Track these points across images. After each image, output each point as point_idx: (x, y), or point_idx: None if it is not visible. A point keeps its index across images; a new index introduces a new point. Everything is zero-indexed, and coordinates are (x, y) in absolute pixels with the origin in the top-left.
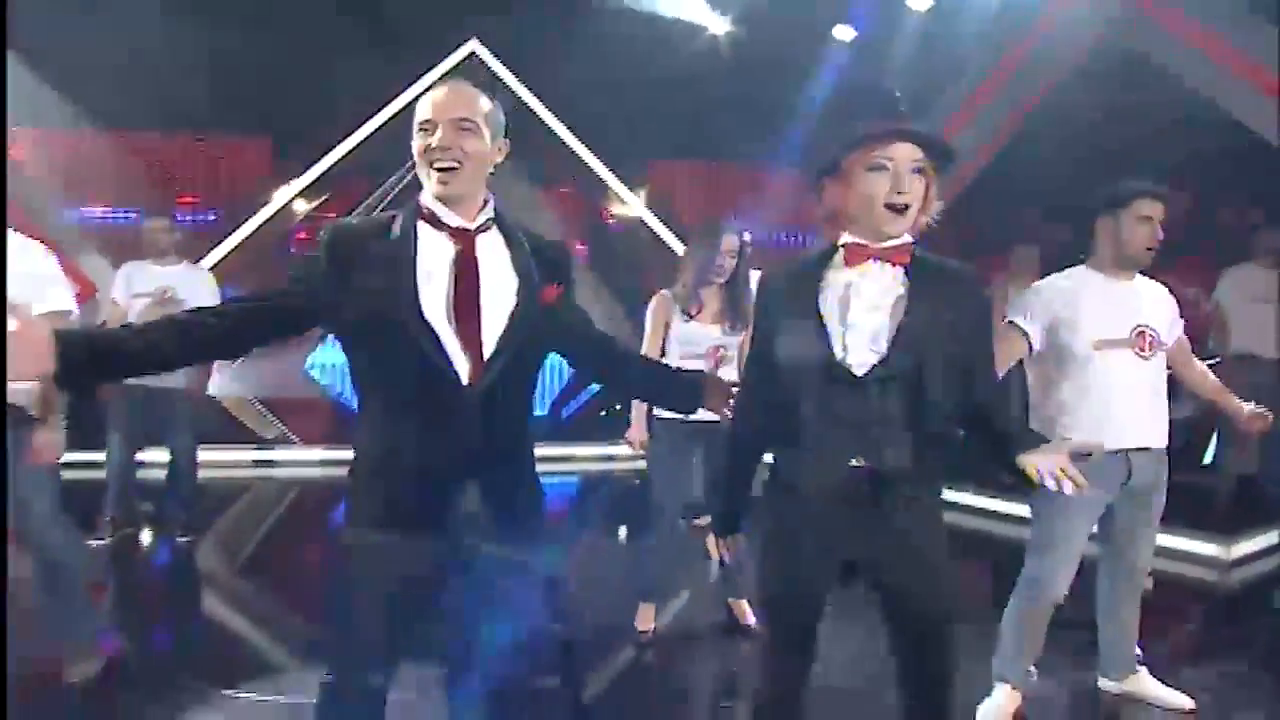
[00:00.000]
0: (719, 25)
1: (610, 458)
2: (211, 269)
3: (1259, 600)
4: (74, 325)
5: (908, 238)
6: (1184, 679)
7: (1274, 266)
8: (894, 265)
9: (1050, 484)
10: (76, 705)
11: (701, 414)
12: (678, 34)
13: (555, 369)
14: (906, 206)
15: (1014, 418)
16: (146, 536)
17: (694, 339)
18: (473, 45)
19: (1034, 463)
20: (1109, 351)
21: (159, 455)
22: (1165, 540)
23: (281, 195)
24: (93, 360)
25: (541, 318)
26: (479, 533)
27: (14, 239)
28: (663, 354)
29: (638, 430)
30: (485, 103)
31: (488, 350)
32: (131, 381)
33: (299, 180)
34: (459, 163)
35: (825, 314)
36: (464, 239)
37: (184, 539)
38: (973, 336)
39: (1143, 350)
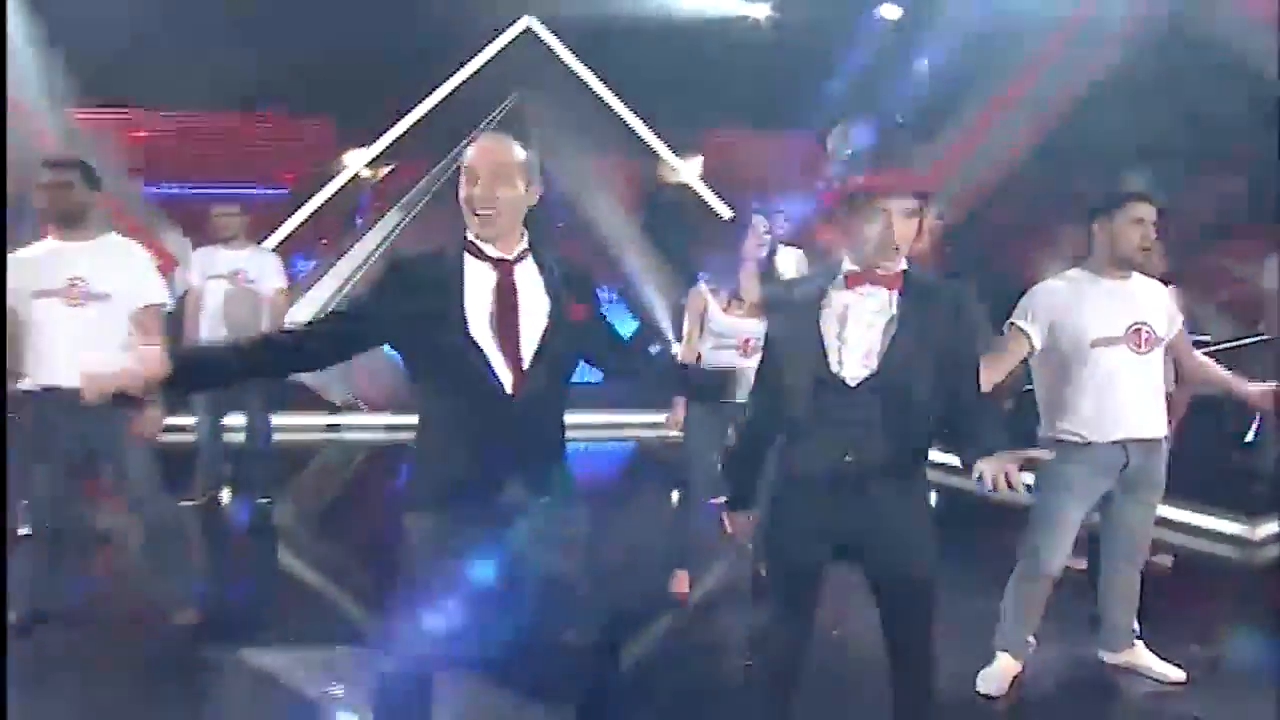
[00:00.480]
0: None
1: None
2: (280, 244)
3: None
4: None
5: (902, 264)
6: (1189, 651)
7: None
8: (888, 289)
9: (987, 487)
10: (173, 654)
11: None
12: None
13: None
14: (898, 248)
15: (984, 422)
16: (230, 497)
17: (729, 330)
18: (527, 20)
19: (982, 468)
20: (1106, 349)
21: (238, 420)
22: (1193, 517)
23: (346, 170)
24: (200, 375)
25: (571, 333)
26: (522, 515)
27: (115, 239)
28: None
29: (677, 412)
30: (521, 153)
31: (525, 363)
32: None
33: (362, 155)
34: (496, 209)
35: (824, 331)
36: (503, 268)
37: (264, 500)
38: (958, 349)
39: (1139, 347)
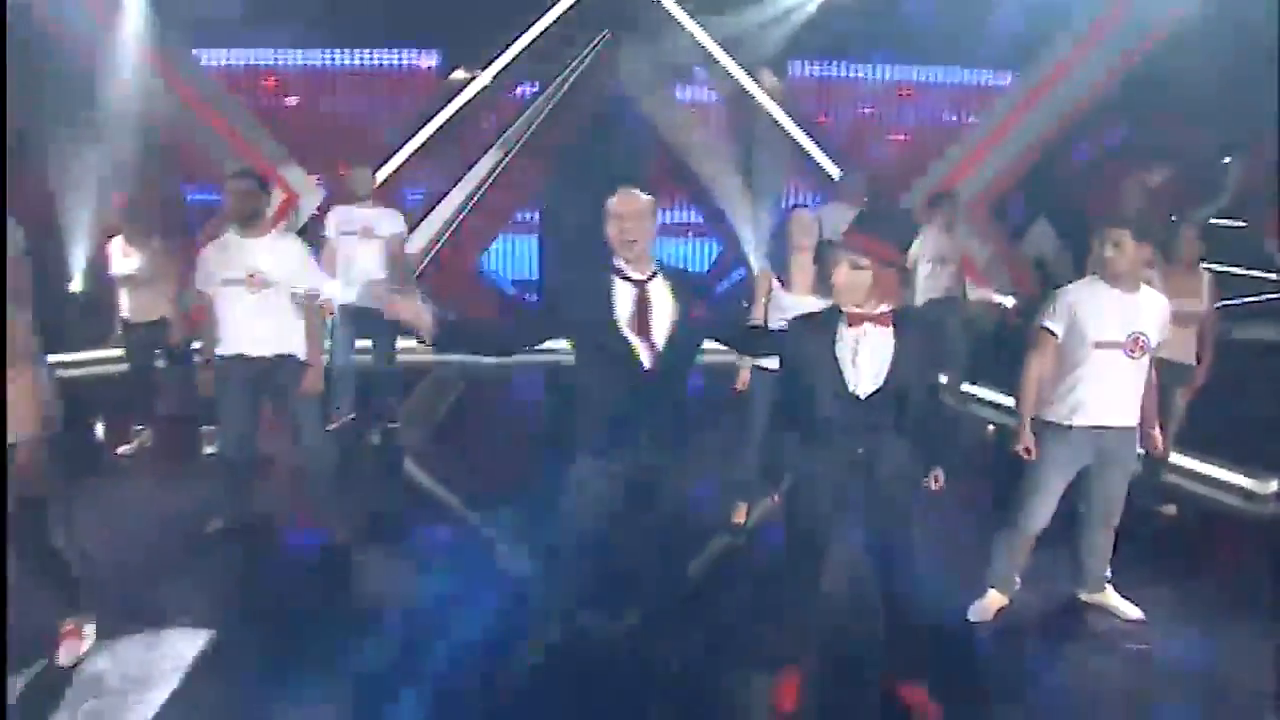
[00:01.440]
0: None
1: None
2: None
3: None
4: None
5: (885, 307)
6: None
7: None
8: (884, 326)
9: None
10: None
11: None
12: None
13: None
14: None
15: (934, 424)
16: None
17: (789, 307)
18: None
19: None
20: (1105, 350)
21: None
22: (1211, 470)
23: (449, 106)
24: (453, 338)
25: (690, 326)
26: (651, 456)
27: (275, 235)
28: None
29: (743, 376)
30: (649, 201)
31: (659, 348)
32: (346, 301)
33: (465, 92)
34: (636, 242)
35: (841, 359)
36: (640, 285)
37: (393, 425)
38: (932, 361)
39: (1132, 352)
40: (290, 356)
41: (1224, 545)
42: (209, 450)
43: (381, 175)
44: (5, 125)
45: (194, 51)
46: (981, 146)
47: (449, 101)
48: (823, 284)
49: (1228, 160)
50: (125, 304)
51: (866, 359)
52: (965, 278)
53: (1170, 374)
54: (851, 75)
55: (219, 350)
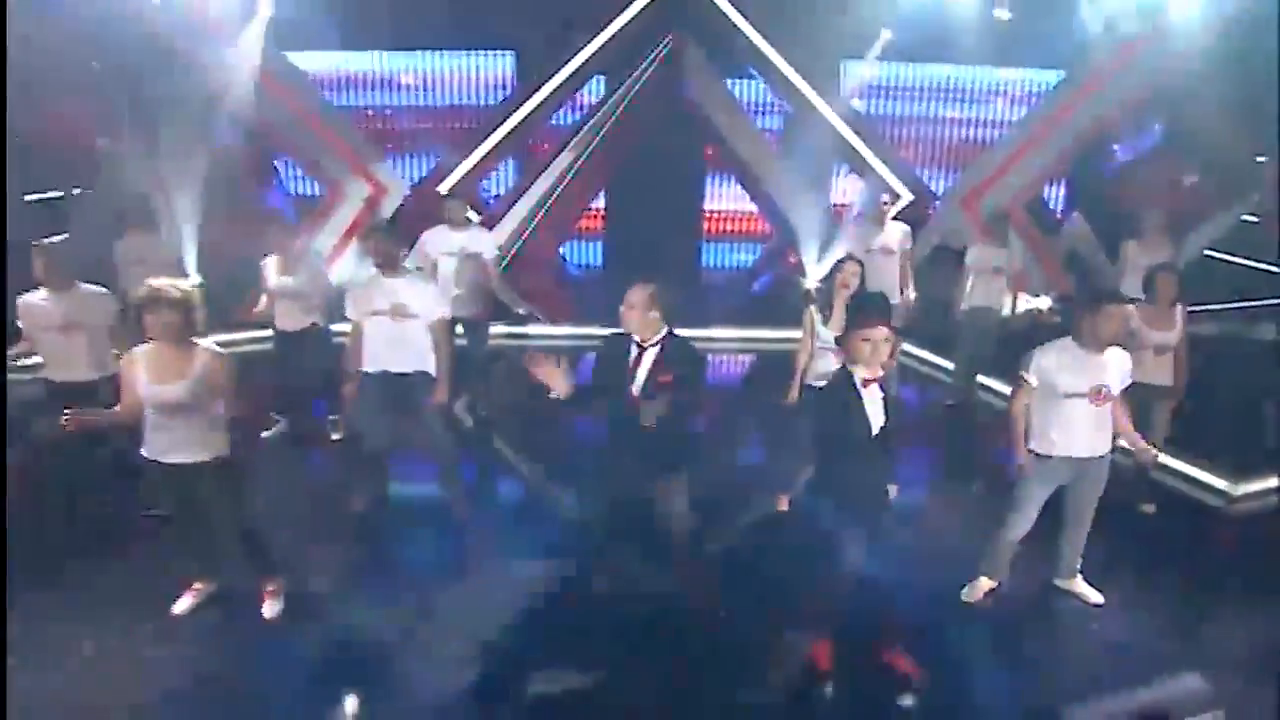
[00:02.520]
0: None
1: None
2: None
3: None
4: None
5: (882, 371)
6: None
7: None
8: (880, 385)
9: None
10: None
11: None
12: None
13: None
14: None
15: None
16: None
17: (825, 337)
18: None
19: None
20: (1074, 399)
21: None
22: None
23: (522, 108)
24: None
25: (661, 384)
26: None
27: (415, 275)
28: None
29: (793, 393)
30: (647, 294)
31: (638, 395)
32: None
33: (539, 94)
34: (637, 323)
35: (869, 414)
36: (641, 349)
37: (483, 414)
38: None
39: (1096, 401)
40: (424, 373)
41: (1188, 539)
42: (335, 437)
43: (463, 169)
44: (5, 125)
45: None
46: (1022, 149)
47: (524, 102)
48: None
49: (1262, 160)
50: (278, 312)
51: (877, 412)
52: (1015, 288)
53: (1151, 394)
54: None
55: (365, 366)
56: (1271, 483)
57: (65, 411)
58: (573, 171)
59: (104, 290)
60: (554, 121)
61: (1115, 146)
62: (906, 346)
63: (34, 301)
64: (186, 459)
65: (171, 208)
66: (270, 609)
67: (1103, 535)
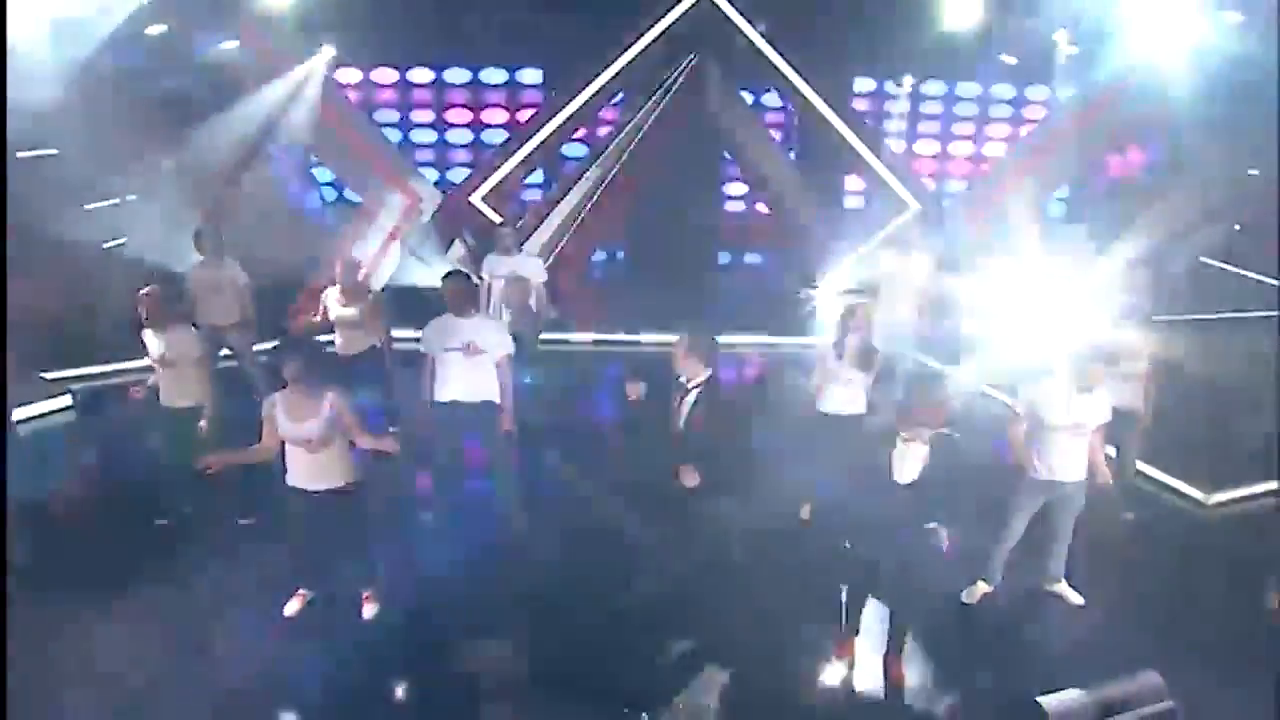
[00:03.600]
0: None
1: None
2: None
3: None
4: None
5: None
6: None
7: None
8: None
9: None
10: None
11: (833, 410)
12: None
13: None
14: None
15: None
16: None
17: (835, 372)
18: None
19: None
20: (1057, 431)
21: None
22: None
23: (550, 123)
24: None
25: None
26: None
27: (483, 318)
28: None
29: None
30: (684, 346)
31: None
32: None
33: (564, 111)
34: (682, 371)
35: (898, 467)
36: (684, 388)
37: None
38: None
39: (1073, 435)
40: (491, 403)
41: (1157, 544)
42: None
43: (491, 183)
44: (5, 125)
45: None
46: (1030, 161)
47: (553, 117)
48: (861, 359)
49: (1254, 173)
50: (340, 340)
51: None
52: None
53: (1124, 419)
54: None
55: (438, 397)
56: (1240, 492)
57: (205, 458)
58: (600, 191)
59: (193, 329)
60: (581, 134)
61: (1112, 160)
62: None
63: (145, 337)
64: (324, 486)
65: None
66: (370, 610)
67: (1085, 541)
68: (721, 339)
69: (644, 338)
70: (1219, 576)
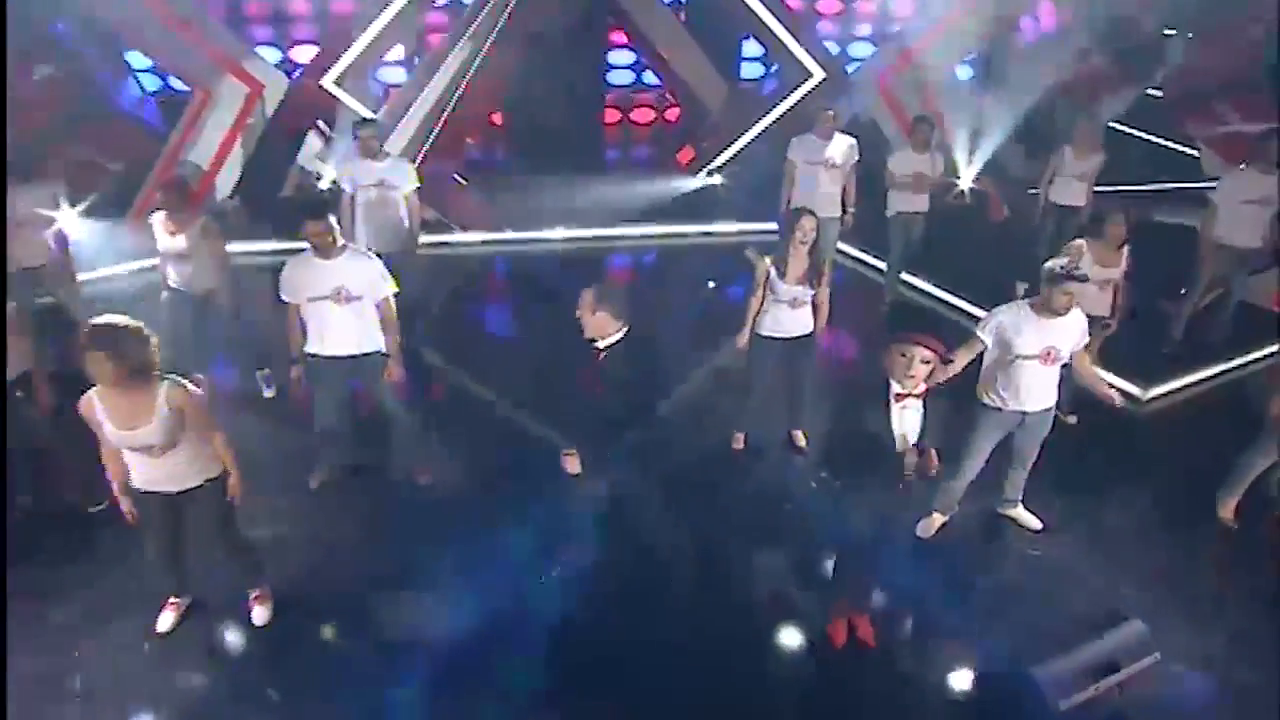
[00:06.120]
0: None
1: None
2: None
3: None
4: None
5: (921, 386)
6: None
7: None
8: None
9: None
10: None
11: (782, 332)
12: None
13: None
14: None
15: None
16: None
17: (785, 294)
18: None
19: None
20: (1025, 360)
21: None
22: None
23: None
24: None
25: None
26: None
27: (350, 254)
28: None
29: (742, 339)
30: (591, 299)
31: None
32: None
33: None
34: (589, 325)
35: (896, 429)
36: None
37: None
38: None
39: (1045, 362)
40: (376, 352)
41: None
42: (268, 394)
43: (345, 62)
44: (5, 125)
45: None
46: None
47: None
48: (811, 275)
49: (1170, 33)
50: (172, 276)
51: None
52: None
53: (1090, 323)
54: None
55: (311, 349)
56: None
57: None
58: (474, 65)
59: None
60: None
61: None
62: (842, 246)
63: None
64: (179, 488)
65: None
66: (261, 615)
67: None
68: (615, 232)
69: (538, 234)
70: (1167, 480)
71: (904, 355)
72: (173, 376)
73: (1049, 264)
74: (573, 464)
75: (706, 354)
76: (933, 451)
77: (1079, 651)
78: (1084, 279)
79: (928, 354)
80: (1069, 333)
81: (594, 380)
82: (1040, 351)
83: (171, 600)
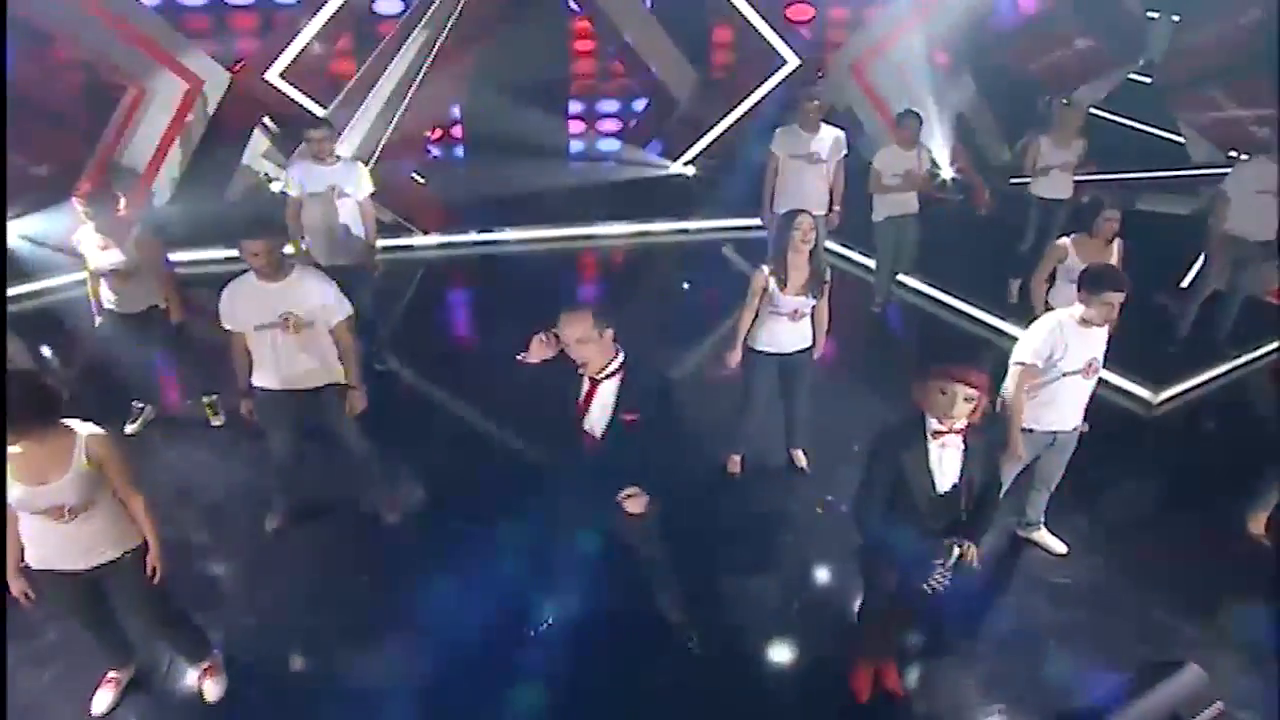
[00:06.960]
0: None
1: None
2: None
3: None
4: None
5: (962, 422)
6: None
7: None
8: (960, 437)
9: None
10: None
11: (780, 347)
12: None
13: None
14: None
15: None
16: None
17: (785, 305)
18: None
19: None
20: (1068, 376)
21: None
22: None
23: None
24: None
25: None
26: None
27: (303, 275)
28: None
29: (734, 357)
30: (588, 317)
31: (598, 434)
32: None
33: None
34: (583, 356)
35: (932, 468)
36: (594, 383)
37: (381, 368)
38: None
39: (1087, 375)
40: (332, 385)
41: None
42: (216, 423)
43: (287, 57)
44: (5, 124)
45: None
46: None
47: None
48: (813, 284)
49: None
50: (107, 296)
51: (949, 468)
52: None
53: None
54: None
55: (259, 382)
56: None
57: None
58: (430, 55)
59: None
60: None
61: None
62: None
63: None
64: (89, 564)
65: None
66: (213, 690)
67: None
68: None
69: (501, 235)
70: (1188, 492)
71: (944, 393)
72: (90, 425)
73: (1089, 270)
74: (636, 505)
75: (698, 368)
76: (972, 548)
77: (1134, 705)
78: (1127, 287)
79: (971, 391)
80: (1103, 341)
81: (587, 412)
82: (1084, 365)
83: (109, 675)
